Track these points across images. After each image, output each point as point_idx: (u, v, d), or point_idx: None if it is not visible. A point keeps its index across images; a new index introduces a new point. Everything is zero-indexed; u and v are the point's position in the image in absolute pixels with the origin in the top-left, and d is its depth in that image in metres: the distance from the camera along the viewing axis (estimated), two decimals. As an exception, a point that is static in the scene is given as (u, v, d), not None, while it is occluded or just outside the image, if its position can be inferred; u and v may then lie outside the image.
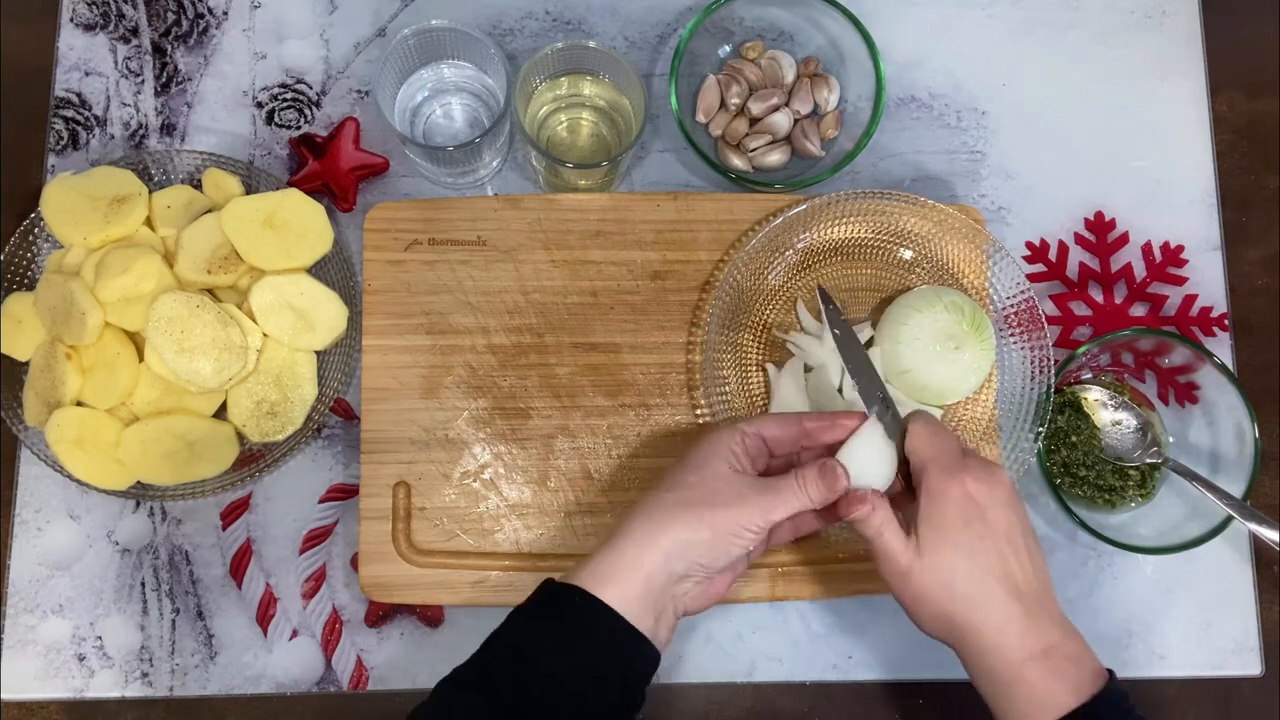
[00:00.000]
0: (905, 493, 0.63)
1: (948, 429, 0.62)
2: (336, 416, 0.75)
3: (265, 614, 0.72)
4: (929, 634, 0.61)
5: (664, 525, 0.57)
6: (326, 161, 0.76)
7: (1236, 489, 0.71)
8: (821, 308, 0.69)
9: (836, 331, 0.66)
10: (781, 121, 0.78)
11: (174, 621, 0.72)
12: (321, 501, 0.74)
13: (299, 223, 0.71)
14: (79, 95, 0.79)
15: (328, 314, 0.72)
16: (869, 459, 0.61)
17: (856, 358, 0.65)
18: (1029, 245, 0.80)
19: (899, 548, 0.59)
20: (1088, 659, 0.58)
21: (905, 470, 0.62)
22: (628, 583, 0.56)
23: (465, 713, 0.55)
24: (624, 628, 0.56)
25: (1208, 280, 0.80)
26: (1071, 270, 0.80)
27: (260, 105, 0.79)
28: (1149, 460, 0.74)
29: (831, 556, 0.72)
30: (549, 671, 0.55)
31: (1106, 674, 0.58)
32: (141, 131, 0.78)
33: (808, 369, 0.73)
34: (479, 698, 0.55)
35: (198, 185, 0.74)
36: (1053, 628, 0.58)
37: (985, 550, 0.58)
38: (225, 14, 0.80)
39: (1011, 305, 0.73)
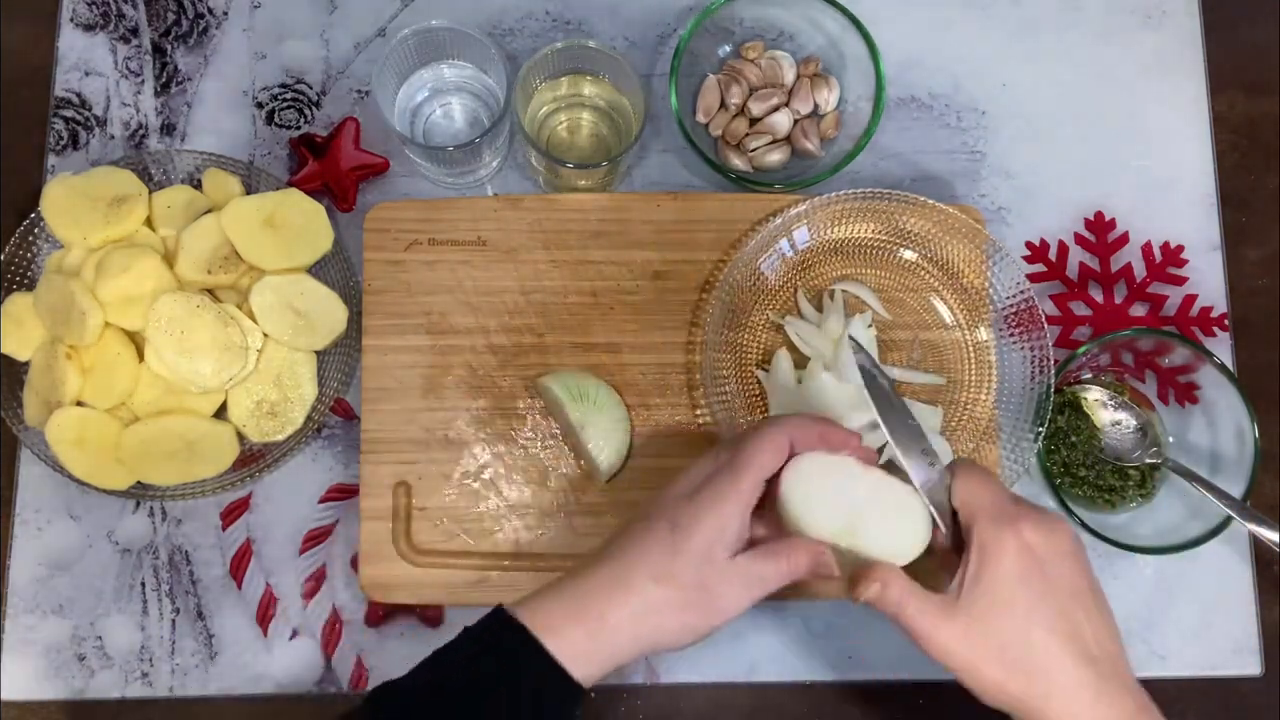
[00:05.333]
0: (954, 552, 0.56)
1: (996, 477, 0.56)
2: (336, 416, 0.75)
3: (265, 614, 0.72)
4: (993, 705, 0.53)
5: (647, 620, 0.53)
6: (326, 161, 0.76)
7: (1236, 489, 0.71)
8: (852, 356, 0.60)
9: (867, 379, 0.58)
10: (781, 121, 0.78)
11: (174, 621, 0.72)
12: (321, 501, 0.74)
13: (299, 223, 0.71)
14: (79, 95, 0.79)
15: (328, 314, 0.72)
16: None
17: (888, 407, 0.57)
18: (1029, 245, 0.80)
19: (930, 621, 0.52)
20: None
21: (956, 527, 0.56)
22: (591, 655, 0.52)
23: None
24: (564, 686, 0.52)
25: (1208, 280, 0.80)
26: (1071, 270, 0.80)
27: (260, 105, 0.79)
28: (1149, 460, 0.74)
29: (831, 556, 0.72)
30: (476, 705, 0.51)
31: None
32: (141, 131, 0.78)
33: (797, 365, 0.73)
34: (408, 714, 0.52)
35: (198, 185, 0.74)
36: (1126, 697, 0.53)
37: (1048, 610, 0.52)
38: (225, 14, 0.80)
39: (1011, 305, 0.73)
